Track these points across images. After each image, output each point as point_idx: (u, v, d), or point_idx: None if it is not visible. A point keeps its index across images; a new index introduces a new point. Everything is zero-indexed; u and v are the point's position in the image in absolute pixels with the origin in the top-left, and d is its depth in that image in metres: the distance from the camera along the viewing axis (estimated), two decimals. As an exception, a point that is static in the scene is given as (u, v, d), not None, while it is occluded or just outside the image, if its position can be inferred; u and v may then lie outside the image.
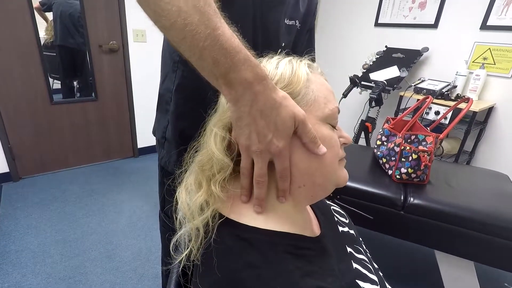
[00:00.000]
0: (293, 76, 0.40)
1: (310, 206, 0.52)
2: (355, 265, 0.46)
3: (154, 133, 0.83)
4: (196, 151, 0.45)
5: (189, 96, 0.69)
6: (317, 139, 0.39)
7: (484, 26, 2.02)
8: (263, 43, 0.68)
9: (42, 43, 2.06)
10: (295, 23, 0.75)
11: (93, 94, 2.40)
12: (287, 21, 0.72)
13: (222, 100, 0.43)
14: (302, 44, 0.81)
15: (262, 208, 0.41)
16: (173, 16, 0.32)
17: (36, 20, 1.99)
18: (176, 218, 0.44)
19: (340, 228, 0.53)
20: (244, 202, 0.41)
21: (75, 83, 2.56)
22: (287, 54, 0.45)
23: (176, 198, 0.44)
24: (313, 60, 0.47)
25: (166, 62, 0.73)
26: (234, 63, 0.34)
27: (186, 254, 0.41)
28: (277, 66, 0.42)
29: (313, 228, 0.46)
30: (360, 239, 0.56)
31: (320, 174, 0.41)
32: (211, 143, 0.41)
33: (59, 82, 2.48)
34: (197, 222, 0.40)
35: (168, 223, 0.84)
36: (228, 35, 0.33)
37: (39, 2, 2.01)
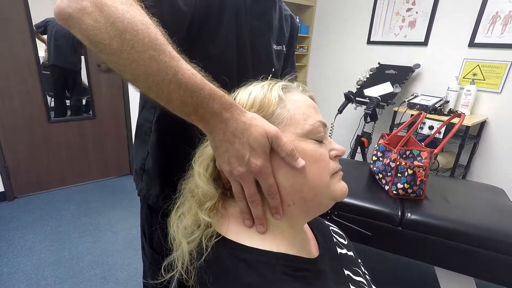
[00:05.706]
0: (264, 100, 0.43)
1: (309, 226, 0.53)
2: (352, 288, 0.46)
3: (131, 161, 0.77)
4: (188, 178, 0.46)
5: (171, 127, 0.65)
6: (294, 152, 0.39)
7: (472, 44, 2.09)
8: (255, 70, 0.68)
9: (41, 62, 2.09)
10: (282, 48, 0.76)
11: (90, 112, 2.42)
12: (275, 47, 0.73)
13: None
14: (287, 68, 0.82)
15: (264, 227, 0.41)
16: (134, 69, 0.35)
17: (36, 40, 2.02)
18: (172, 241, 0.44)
19: (339, 250, 0.53)
20: (249, 226, 0.41)
21: (67, 102, 2.57)
22: (265, 79, 0.47)
23: (168, 223, 0.45)
24: (293, 79, 0.48)
25: None
26: (200, 100, 0.37)
27: (175, 275, 0.41)
28: (250, 93, 0.44)
29: (311, 249, 0.47)
30: (359, 260, 0.56)
31: (307, 190, 0.41)
32: (195, 172, 0.43)
33: (57, 100, 2.50)
34: (185, 245, 0.41)
35: (158, 260, 0.73)
36: (188, 75, 0.36)
37: (34, 25, 2.00)
